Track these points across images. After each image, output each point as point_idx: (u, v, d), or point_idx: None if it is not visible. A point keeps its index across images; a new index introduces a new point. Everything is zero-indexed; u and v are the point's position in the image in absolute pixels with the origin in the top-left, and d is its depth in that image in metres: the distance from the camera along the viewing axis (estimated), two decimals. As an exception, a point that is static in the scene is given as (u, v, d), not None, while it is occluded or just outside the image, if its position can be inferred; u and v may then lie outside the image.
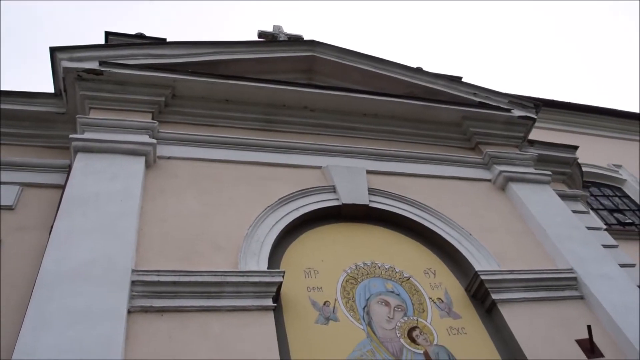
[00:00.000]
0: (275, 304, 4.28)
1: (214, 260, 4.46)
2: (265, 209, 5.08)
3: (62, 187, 5.02)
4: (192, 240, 4.60)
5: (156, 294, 4.04)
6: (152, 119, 5.60)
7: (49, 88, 6.62)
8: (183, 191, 5.07)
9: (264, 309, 4.20)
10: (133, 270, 4.06)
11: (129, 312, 3.85)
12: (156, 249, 4.42)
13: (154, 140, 5.24)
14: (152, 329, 3.85)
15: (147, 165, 5.12)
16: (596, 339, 4.92)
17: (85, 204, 4.48)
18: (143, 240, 4.45)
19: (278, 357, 3.92)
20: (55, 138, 5.90)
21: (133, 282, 3.99)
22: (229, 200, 5.11)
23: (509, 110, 7.14)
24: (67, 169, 5.37)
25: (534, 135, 7.77)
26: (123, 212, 4.51)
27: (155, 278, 4.07)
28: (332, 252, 5.16)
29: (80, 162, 4.89)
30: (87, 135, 5.12)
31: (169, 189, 5.04)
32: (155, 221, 4.66)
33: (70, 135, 5.10)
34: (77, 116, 5.34)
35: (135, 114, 5.55)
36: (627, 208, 11.04)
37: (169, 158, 5.36)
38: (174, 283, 4.10)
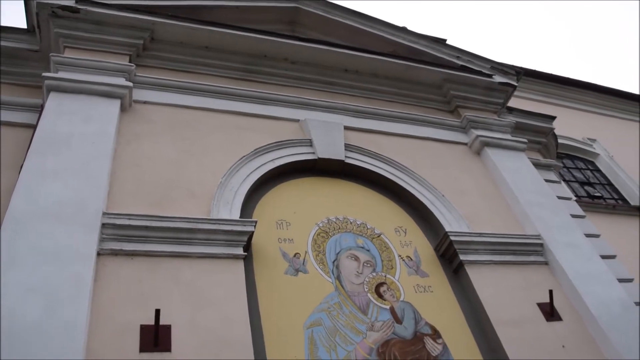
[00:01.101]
0: (245, 253, 4.30)
1: (187, 207, 4.45)
2: (241, 158, 5.05)
3: (34, 127, 4.90)
4: (166, 186, 4.56)
5: (127, 237, 4.02)
6: (129, 61, 5.44)
7: (23, 24, 6.36)
8: (158, 136, 4.99)
9: (235, 257, 4.22)
10: (104, 213, 4.02)
11: (98, 254, 3.84)
12: (128, 193, 4.38)
13: (130, 84, 5.12)
14: (122, 272, 3.86)
15: (123, 109, 5.02)
16: (556, 304, 5.09)
17: (57, 145, 4.39)
18: (115, 183, 4.40)
19: (246, 305, 3.97)
20: (28, 76, 5.71)
21: (104, 225, 3.96)
22: (205, 148, 5.06)
23: (490, 76, 7.14)
24: (39, 109, 5.22)
25: (513, 103, 7.82)
26: (96, 154, 4.42)
27: (126, 222, 4.05)
28: (305, 205, 5.18)
29: (53, 102, 4.75)
30: (61, 74, 4.97)
31: (144, 134, 4.96)
32: (128, 165, 4.60)
33: (43, 74, 4.93)
34: (51, 54, 5.16)
35: (112, 56, 5.39)
36: (598, 182, 11.26)
37: (145, 102, 5.26)
38: (146, 227, 4.09)
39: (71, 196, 4.03)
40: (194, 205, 4.49)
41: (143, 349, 3.49)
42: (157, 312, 3.57)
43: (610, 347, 4.82)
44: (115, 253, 3.93)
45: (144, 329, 3.59)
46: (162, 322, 3.62)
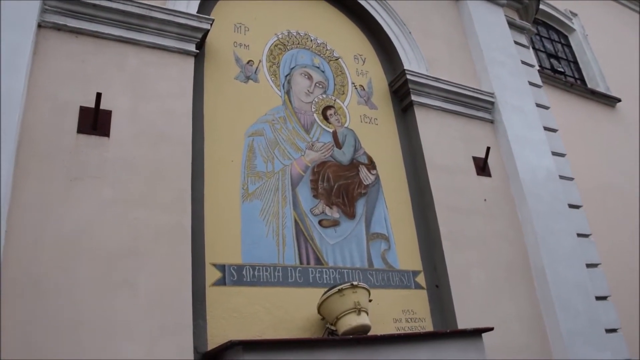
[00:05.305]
0: (197, 51, 4.15)
1: (141, -9, 4.13)
2: (208, -51, 4.64)
3: None
4: (120, -38, 4.17)
5: (72, 13, 3.76)
6: None
7: None
8: None
9: (186, 53, 4.07)
10: (47, -19, 3.68)
11: (39, 26, 3.60)
12: (78, -38, 3.99)
13: None
14: (64, 49, 3.67)
15: None
16: (490, 161, 5.33)
17: None
18: (64, -51, 3.97)
19: (191, 103, 3.92)
20: None
21: (47, -6, 3.65)
22: None
23: None
24: None
25: (505, -46, 7.31)
26: None
27: (72, -6, 3.74)
28: (267, 13, 4.94)
29: None
30: None
31: None
32: None
33: None
34: None
35: None
36: (565, 58, 11.20)
37: None
38: (94, 5, 3.81)
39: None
40: (149, -11, 4.18)
41: (81, 130, 3.46)
42: (99, 95, 3.47)
43: (525, 208, 5.20)
44: (59, 28, 3.70)
45: (83, 110, 3.52)
46: (102, 106, 3.55)
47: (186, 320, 3.24)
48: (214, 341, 3.36)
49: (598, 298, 5.28)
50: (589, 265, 5.38)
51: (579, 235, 5.49)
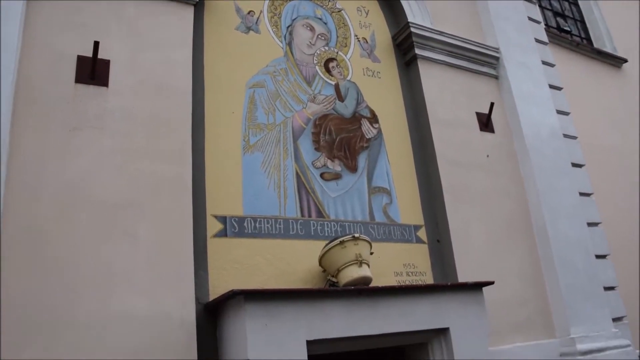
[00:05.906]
0: (197, 0, 4.03)
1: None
2: None
3: None
4: None
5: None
6: None
7: None
8: None
9: (185, 2, 3.96)
10: None
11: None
12: None
13: None
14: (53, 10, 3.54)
15: None
16: (494, 117, 5.26)
17: None
18: None
19: (191, 53, 3.83)
20: None
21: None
22: None
23: None
24: None
25: None
26: None
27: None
28: (269, -38, 4.81)
29: None
30: None
31: None
32: None
33: None
34: None
35: None
36: (571, 17, 10.97)
37: None
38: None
39: None
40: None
41: (79, 80, 3.39)
42: (96, 44, 3.39)
43: (528, 165, 5.18)
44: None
45: (81, 60, 3.44)
46: (100, 56, 3.47)
47: (187, 271, 3.24)
48: (215, 292, 3.38)
49: (598, 256, 5.31)
50: (589, 224, 5.39)
51: (580, 194, 5.48)
